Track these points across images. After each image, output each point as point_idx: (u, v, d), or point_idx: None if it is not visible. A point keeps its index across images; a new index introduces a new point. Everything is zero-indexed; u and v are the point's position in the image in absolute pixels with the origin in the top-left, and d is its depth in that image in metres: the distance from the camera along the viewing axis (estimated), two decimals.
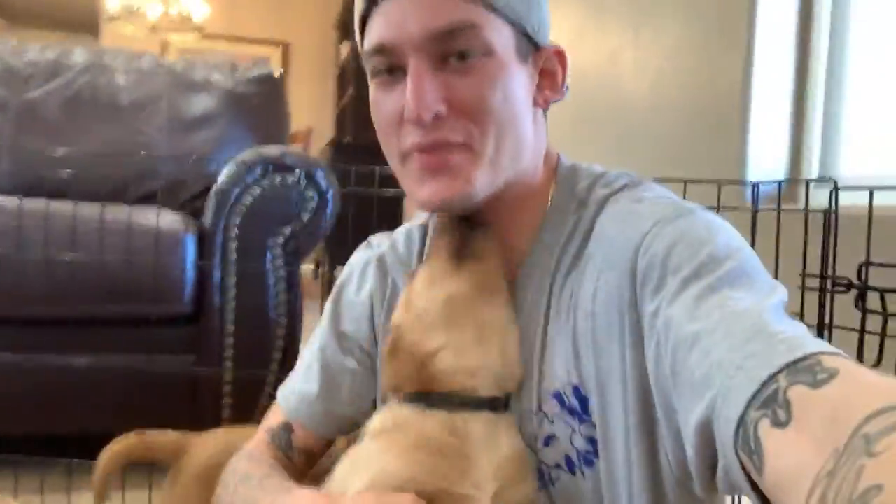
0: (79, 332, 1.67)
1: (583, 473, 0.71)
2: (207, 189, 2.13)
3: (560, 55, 0.76)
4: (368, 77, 0.74)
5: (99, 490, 1.06)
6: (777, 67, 1.78)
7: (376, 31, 0.69)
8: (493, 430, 0.70)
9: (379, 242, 0.92)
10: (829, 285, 0.97)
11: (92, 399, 1.66)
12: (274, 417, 0.90)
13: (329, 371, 0.87)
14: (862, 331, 0.95)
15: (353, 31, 0.77)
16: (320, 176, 1.82)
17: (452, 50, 0.67)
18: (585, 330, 0.69)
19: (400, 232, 0.91)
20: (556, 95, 0.77)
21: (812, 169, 1.75)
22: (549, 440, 0.73)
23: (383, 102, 0.72)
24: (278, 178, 1.79)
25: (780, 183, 0.99)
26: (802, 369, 0.45)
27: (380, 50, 0.69)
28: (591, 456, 0.70)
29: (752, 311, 0.53)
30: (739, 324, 0.52)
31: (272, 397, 1.78)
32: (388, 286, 0.87)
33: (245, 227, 1.77)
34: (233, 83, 2.39)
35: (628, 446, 0.67)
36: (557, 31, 2.85)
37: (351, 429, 0.87)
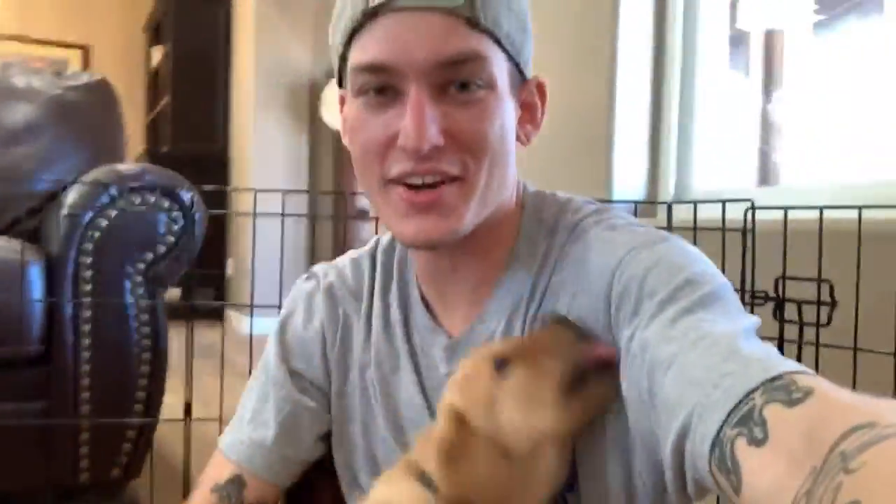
0: None
1: (564, 500, 0.71)
2: (34, 210, 1.89)
3: (541, 88, 0.76)
4: (350, 91, 0.69)
5: None
6: (636, 92, 1.90)
7: (373, 48, 0.65)
8: None
9: (324, 272, 0.87)
10: (748, 298, 1.04)
11: None
12: (218, 471, 0.81)
13: (285, 413, 0.81)
14: (781, 339, 1.02)
15: (331, 39, 0.71)
16: (185, 195, 1.67)
17: (455, 79, 0.65)
18: None
19: (345, 261, 0.87)
20: (535, 130, 0.76)
21: (669, 189, 1.89)
22: None
23: (369, 124, 0.68)
24: (137, 199, 1.61)
25: (695, 203, 1.04)
26: (778, 388, 0.47)
27: (376, 68, 0.65)
28: (571, 479, 0.70)
29: (728, 333, 0.55)
30: (715, 345, 0.54)
31: (136, 445, 1.61)
32: (339, 317, 0.83)
33: (100, 255, 1.58)
34: (59, 90, 2.13)
35: (606, 468, 0.67)
36: None
37: (302, 472, 0.82)
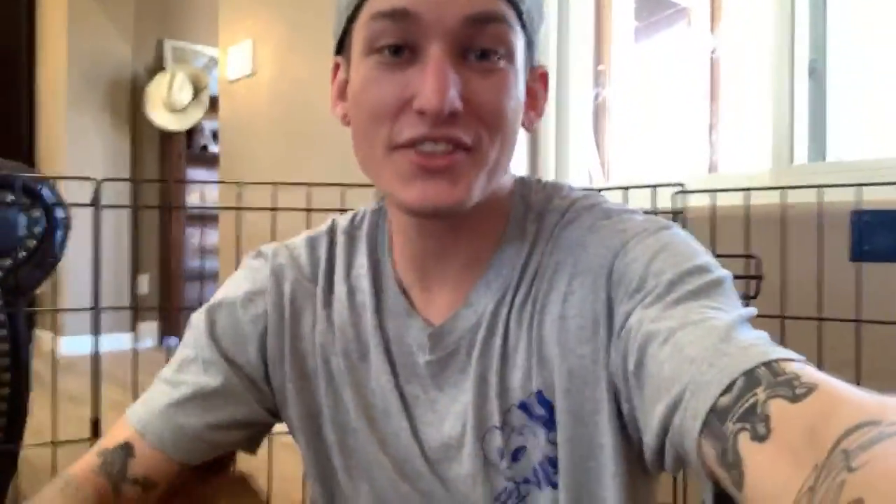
0: None
1: (550, 484, 0.71)
2: None
3: (544, 77, 0.74)
4: (360, 49, 0.65)
5: None
6: None
7: None
8: None
9: (274, 252, 0.80)
10: None
11: None
12: (112, 435, 0.74)
13: (191, 385, 0.75)
14: None
15: None
16: (46, 191, 1.48)
17: (477, 44, 0.62)
18: (553, 334, 0.68)
19: (299, 242, 0.81)
20: (538, 118, 0.74)
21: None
22: (517, 454, 0.71)
23: (381, 84, 0.63)
24: None
25: (653, 188, 1.09)
26: (782, 383, 0.46)
27: (399, 14, 0.61)
28: (555, 462, 0.70)
29: (729, 319, 0.56)
30: (715, 328, 0.55)
31: None
32: (285, 303, 0.77)
33: None
34: None
35: (600, 443, 0.67)
36: (268, 39, 2.73)
37: (206, 456, 0.76)
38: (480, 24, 0.61)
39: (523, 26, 0.66)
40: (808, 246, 1.06)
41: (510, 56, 0.64)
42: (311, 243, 0.79)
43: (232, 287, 0.79)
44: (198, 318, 0.77)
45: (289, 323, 0.76)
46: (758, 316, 1.03)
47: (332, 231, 0.80)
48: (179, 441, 0.73)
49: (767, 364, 0.48)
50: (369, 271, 0.76)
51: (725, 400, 0.48)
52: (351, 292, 0.76)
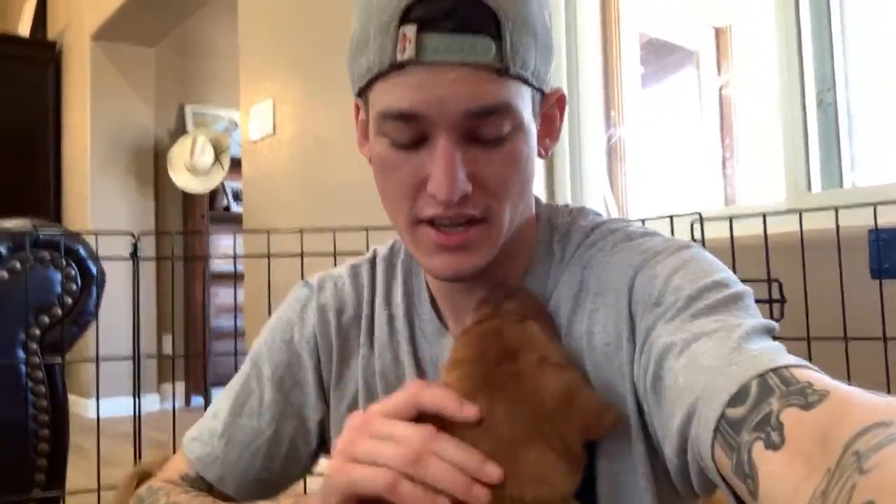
0: None
1: (587, 499, 0.71)
2: None
3: (560, 100, 0.76)
4: (375, 129, 0.68)
5: None
6: None
7: (403, 97, 0.63)
8: None
9: (320, 284, 0.84)
10: None
11: None
12: (184, 466, 0.83)
13: (248, 430, 0.82)
14: None
15: (350, 66, 0.69)
16: (82, 251, 1.53)
17: (481, 132, 0.65)
18: (581, 350, 0.70)
19: (343, 272, 0.85)
20: (554, 142, 0.77)
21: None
22: None
23: (399, 166, 0.67)
24: (31, 257, 1.46)
25: (671, 218, 1.12)
26: (795, 392, 0.47)
27: (406, 117, 0.64)
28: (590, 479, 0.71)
29: (743, 330, 0.57)
30: (729, 338, 0.56)
31: None
32: (331, 333, 0.81)
33: None
34: None
35: (631, 457, 0.68)
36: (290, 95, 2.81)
37: (265, 496, 0.83)
38: (483, 116, 0.63)
39: (532, 86, 0.67)
40: (828, 269, 1.08)
41: (517, 126, 0.66)
42: (355, 272, 0.83)
43: (285, 321, 0.83)
44: (258, 355, 0.83)
45: (336, 353, 0.80)
46: (784, 338, 1.04)
47: (373, 260, 0.84)
48: (241, 484, 0.81)
49: (776, 370, 0.49)
50: (404, 297, 0.80)
51: (740, 410, 0.49)
52: (390, 318, 0.80)
